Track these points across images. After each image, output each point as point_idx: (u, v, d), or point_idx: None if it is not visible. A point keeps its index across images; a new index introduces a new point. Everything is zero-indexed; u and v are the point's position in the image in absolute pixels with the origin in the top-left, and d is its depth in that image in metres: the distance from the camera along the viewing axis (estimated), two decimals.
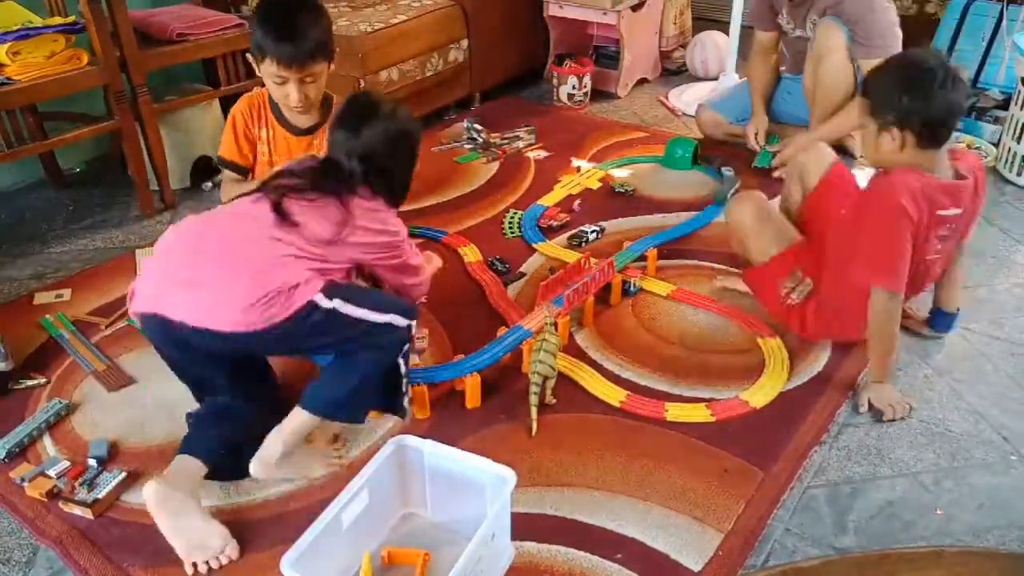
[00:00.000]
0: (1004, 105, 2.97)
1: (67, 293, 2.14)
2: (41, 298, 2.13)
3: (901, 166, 1.64)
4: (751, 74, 2.87)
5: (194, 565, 1.38)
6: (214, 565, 1.38)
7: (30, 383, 1.81)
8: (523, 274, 2.21)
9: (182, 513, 1.39)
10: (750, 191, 2.10)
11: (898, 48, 2.42)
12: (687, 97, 3.41)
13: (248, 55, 1.87)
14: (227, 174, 2.03)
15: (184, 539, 1.39)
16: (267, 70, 1.80)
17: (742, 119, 2.87)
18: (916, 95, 1.57)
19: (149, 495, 1.39)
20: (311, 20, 1.83)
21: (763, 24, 2.76)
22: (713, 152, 2.86)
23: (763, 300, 1.99)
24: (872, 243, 1.67)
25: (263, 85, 1.93)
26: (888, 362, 1.73)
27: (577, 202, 2.55)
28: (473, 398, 1.72)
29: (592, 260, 2.06)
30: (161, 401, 1.74)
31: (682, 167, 2.78)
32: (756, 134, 2.80)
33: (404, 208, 2.21)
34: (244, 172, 2.00)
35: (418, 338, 1.88)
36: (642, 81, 3.66)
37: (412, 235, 2.39)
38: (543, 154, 2.91)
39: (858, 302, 1.71)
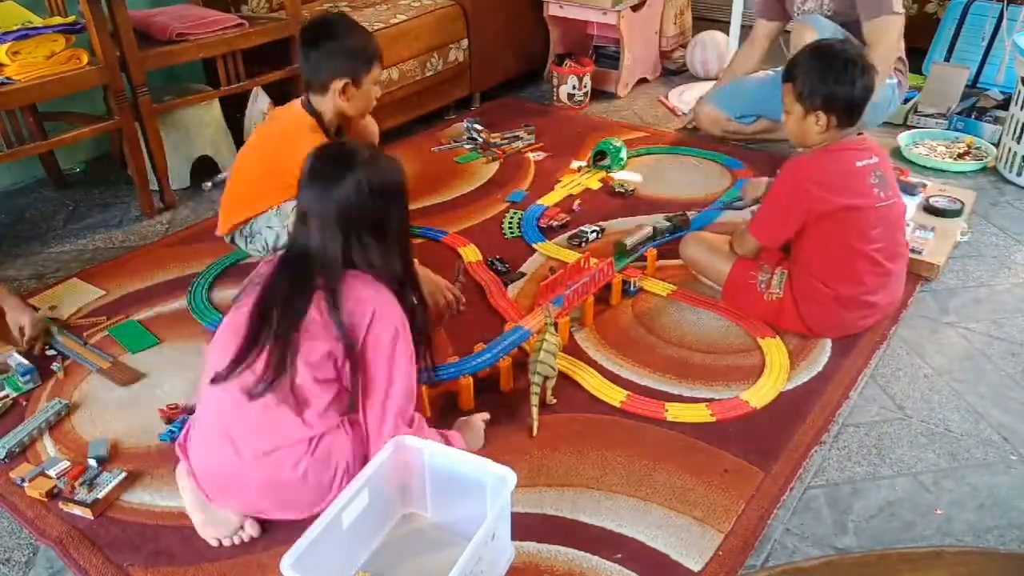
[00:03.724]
0: (1004, 105, 2.98)
1: (60, 305, 2.10)
2: (36, 302, 2.12)
3: (815, 150, 1.87)
4: (736, 57, 2.87)
5: (218, 540, 1.41)
6: (236, 541, 1.41)
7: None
8: (523, 274, 2.21)
9: None
10: (691, 233, 2.22)
11: (900, 8, 2.47)
12: (687, 97, 3.41)
13: (343, 82, 1.94)
14: None
15: (203, 513, 1.41)
16: (375, 77, 2.00)
17: (742, 116, 2.87)
18: (841, 82, 1.79)
19: (180, 468, 1.45)
20: None
21: (769, 13, 2.75)
22: (713, 149, 2.86)
23: (750, 309, 2.00)
24: (766, 205, 1.97)
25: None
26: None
27: (577, 202, 2.55)
28: (467, 399, 1.72)
29: (592, 260, 2.06)
30: (162, 401, 1.74)
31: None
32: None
33: None
34: None
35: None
36: (642, 81, 3.66)
37: (412, 235, 2.40)
38: (543, 154, 2.91)
39: (826, 274, 1.85)
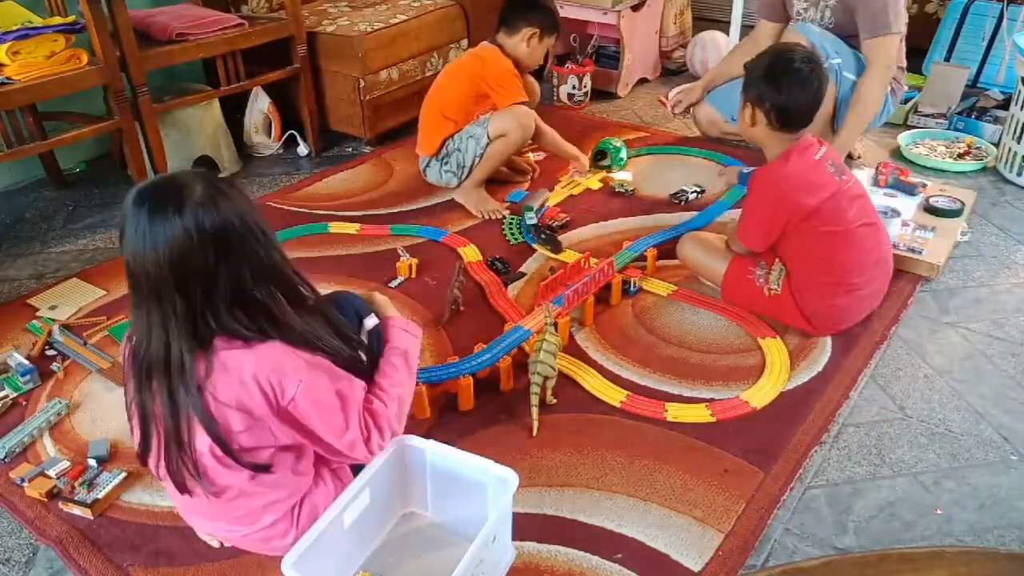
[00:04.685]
0: (1004, 105, 2.98)
1: (60, 306, 2.10)
2: (35, 302, 2.13)
3: (781, 156, 1.87)
4: (731, 57, 2.85)
5: (218, 541, 1.41)
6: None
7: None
8: (523, 274, 2.21)
9: None
10: (689, 233, 2.21)
11: (900, 27, 2.43)
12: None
13: (532, 31, 2.49)
14: (529, 112, 2.50)
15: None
16: (548, 43, 2.56)
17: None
18: (771, 83, 1.82)
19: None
20: None
21: (771, 14, 2.74)
22: (713, 149, 2.86)
23: (750, 305, 2.00)
24: (750, 215, 1.96)
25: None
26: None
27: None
28: (466, 400, 1.72)
29: (592, 260, 2.05)
30: None
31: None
32: (679, 103, 2.91)
33: (403, 208, 2.26)
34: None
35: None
36: (642, 81, 3.66)
37: (412, 235, 2.40)
38: (543, 154, 2.91)
39: (821, 268, 1.87)
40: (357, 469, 1.37)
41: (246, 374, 1.14)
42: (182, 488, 1.23)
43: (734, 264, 2.00)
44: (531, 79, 2.70)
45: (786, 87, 1.80)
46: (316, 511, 1.31)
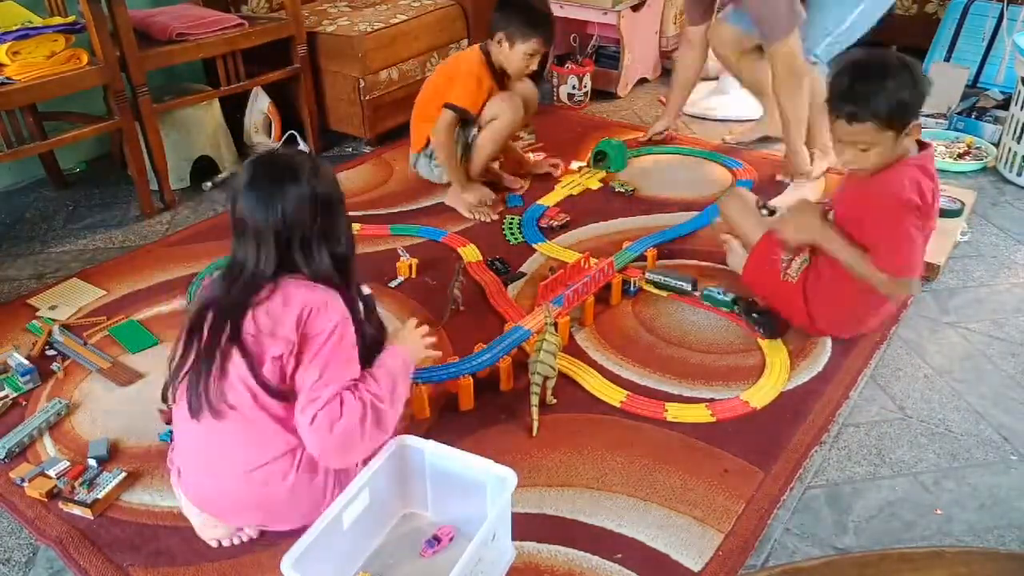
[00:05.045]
0: (1004, 105, 2.97)
1: (60, 306, 2.10)
2: (35, 302, 2.13)
3: (898, 167, 1.69)
4: (678, 69, 2.87)
5: (217, 541, 1.41)
6: (236, 542, 1.42)
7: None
8: (523, 274, 2.21)
9: None
10: (736, 189, 2.17)
11: (792, 26, 2.33)
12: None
13: (500, 35, 2.41)
14: (449, 115, 2.45)
15: (200, 516, 1.42)
16: (527, 47, 2.39)
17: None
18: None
19: (173, 477, 1.45)
20: None
21: (693, 17, 2.74)
22: (713, 149, 2.86)
23: (765, 285, 1.96)
24: (894, 241, 1.71)
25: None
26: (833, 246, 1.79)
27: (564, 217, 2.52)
28: (466, 400, 1.72)
29: (592, 260, 2.05)
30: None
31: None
32: (659, 133, 2.92)
33: (403, 208, 2.25)
34: (470, 119, 2.48)
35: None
36: (642, 81, 3.66)
37: (412, 235, 2.40)
38: (543, 154, 2.91)
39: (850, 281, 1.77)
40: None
41: (296, 301, 1.29)
42: (195, 411, 1.29)
43: (765, 240, 1.94)
44: (527, 85, 2.61)
45: (907, 82, 1.61)
46: (315, 464, 1.33)
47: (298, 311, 1.28)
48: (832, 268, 1.81)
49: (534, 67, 2.48)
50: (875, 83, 1.62)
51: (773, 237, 1.92)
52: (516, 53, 2.40)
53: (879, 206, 1.71)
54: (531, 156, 2.86)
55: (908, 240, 1.69)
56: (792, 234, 1.87)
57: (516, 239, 2.38)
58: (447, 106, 2.45)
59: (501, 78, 2.50)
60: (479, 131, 2.49)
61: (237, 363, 1.28)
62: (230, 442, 1.33)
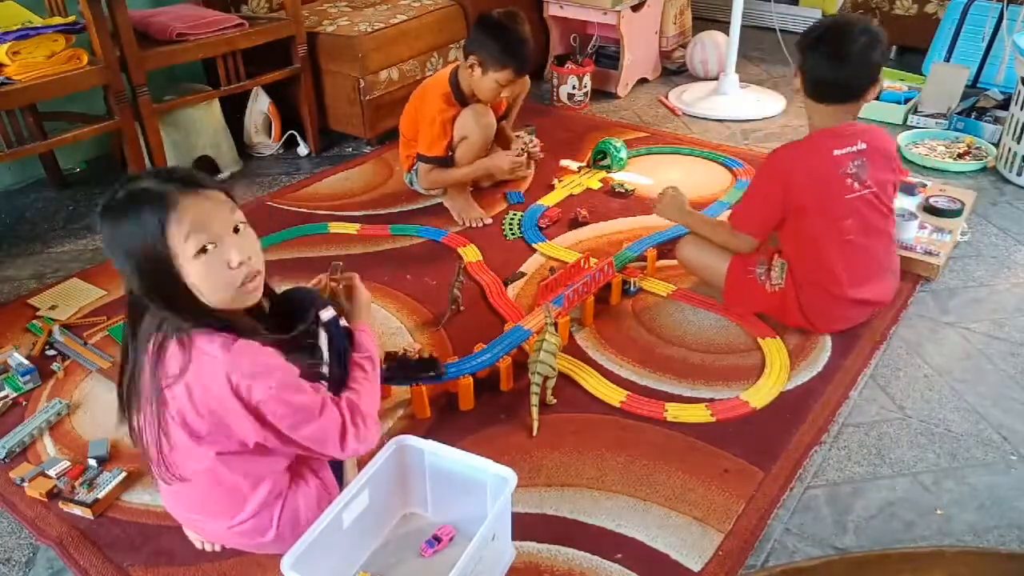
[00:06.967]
0: (1004, 105, 2.98)
1: (60, 306, 2.10)
2: (36, 302, 2.13)
3: (800, 140, 1.86)
4: None
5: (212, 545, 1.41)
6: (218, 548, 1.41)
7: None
8: (523, 274, 2.21)
9: None
10: (688, 235, 2.09)
11: None
12: (687, 97, 3.41)
13: (473, 60, 2.30)
14: (424, 166, 2.48)
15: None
16: (500, 76, 2.29)
17: None
18: (806, 48, 1.76)
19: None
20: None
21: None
22: (713, 149, 2.85)
23: (753, 304, 1.98)
24: (747, 196, 1.96)
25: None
26: (693, 223, 2.05)
27: (583, 212, 2.49)
28: (466, 400, 1.72)
29: (592, 260, 2.06)
30: None
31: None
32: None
33: (403, 208, 2.25)
34: (445, 158, 2.46)
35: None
36: (642, 81, 3.66)
37: (412, 235, 2.40)
38: (543, 154, 2.91)
39: (823, 266, 1.84)
40: (336, 468, 1.39)
41: (219, 371, 1.15)
42: (166, 481, 1.25)
43: (735, 263, 1.96)
44: (502, 127, 2.58)
45: (819, 54, 1.72)
46: (297, 513, 1.31)
47: (228, 387, 1.15)
48: (798, 263, 1.88)
49: (506, 95, 2.45)
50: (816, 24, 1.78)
51: (739, 258, 1.95)
52: (487, 80, 2.31)
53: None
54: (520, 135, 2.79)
55: (750, 196, 1.93)
56: (662, 215, 2.12)
57: (515, 238, 2.39)
58: (420, 158, 2.48)
59: (467, 103, 2.42)
60: (453, 152, 2.46)
61: (177, 432, 1.21)
62: (208, 502, 1.30)
